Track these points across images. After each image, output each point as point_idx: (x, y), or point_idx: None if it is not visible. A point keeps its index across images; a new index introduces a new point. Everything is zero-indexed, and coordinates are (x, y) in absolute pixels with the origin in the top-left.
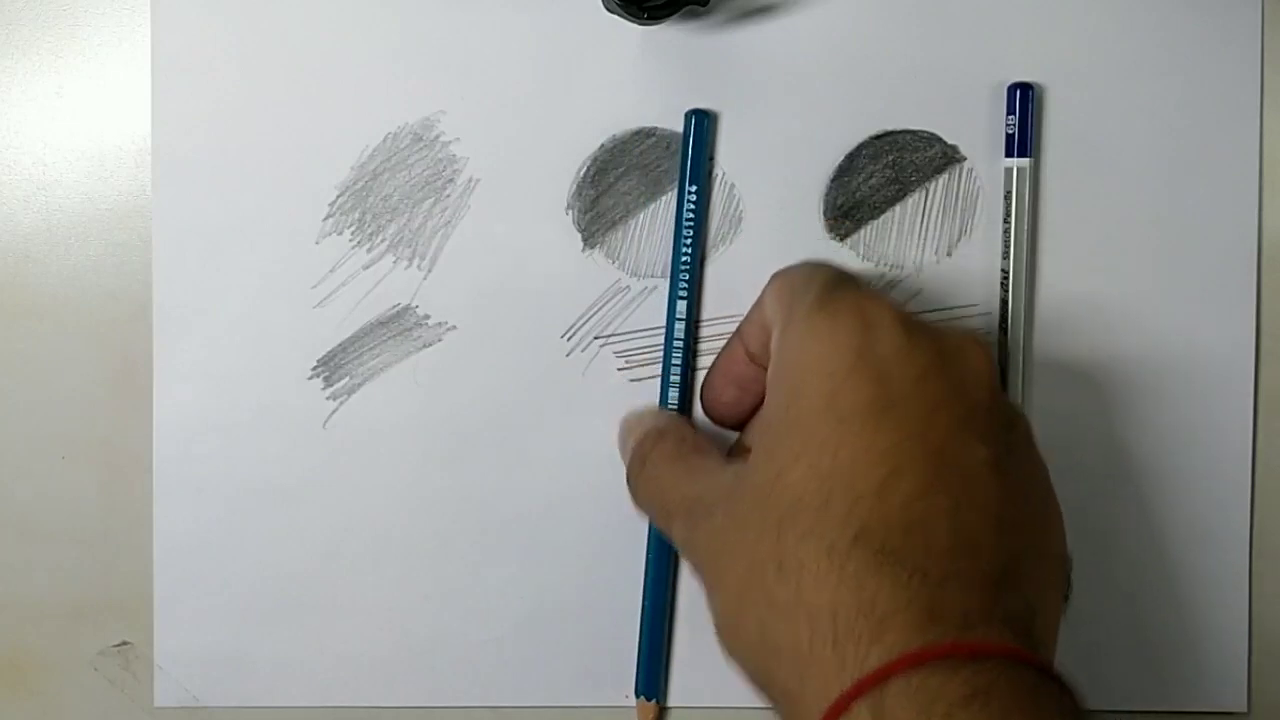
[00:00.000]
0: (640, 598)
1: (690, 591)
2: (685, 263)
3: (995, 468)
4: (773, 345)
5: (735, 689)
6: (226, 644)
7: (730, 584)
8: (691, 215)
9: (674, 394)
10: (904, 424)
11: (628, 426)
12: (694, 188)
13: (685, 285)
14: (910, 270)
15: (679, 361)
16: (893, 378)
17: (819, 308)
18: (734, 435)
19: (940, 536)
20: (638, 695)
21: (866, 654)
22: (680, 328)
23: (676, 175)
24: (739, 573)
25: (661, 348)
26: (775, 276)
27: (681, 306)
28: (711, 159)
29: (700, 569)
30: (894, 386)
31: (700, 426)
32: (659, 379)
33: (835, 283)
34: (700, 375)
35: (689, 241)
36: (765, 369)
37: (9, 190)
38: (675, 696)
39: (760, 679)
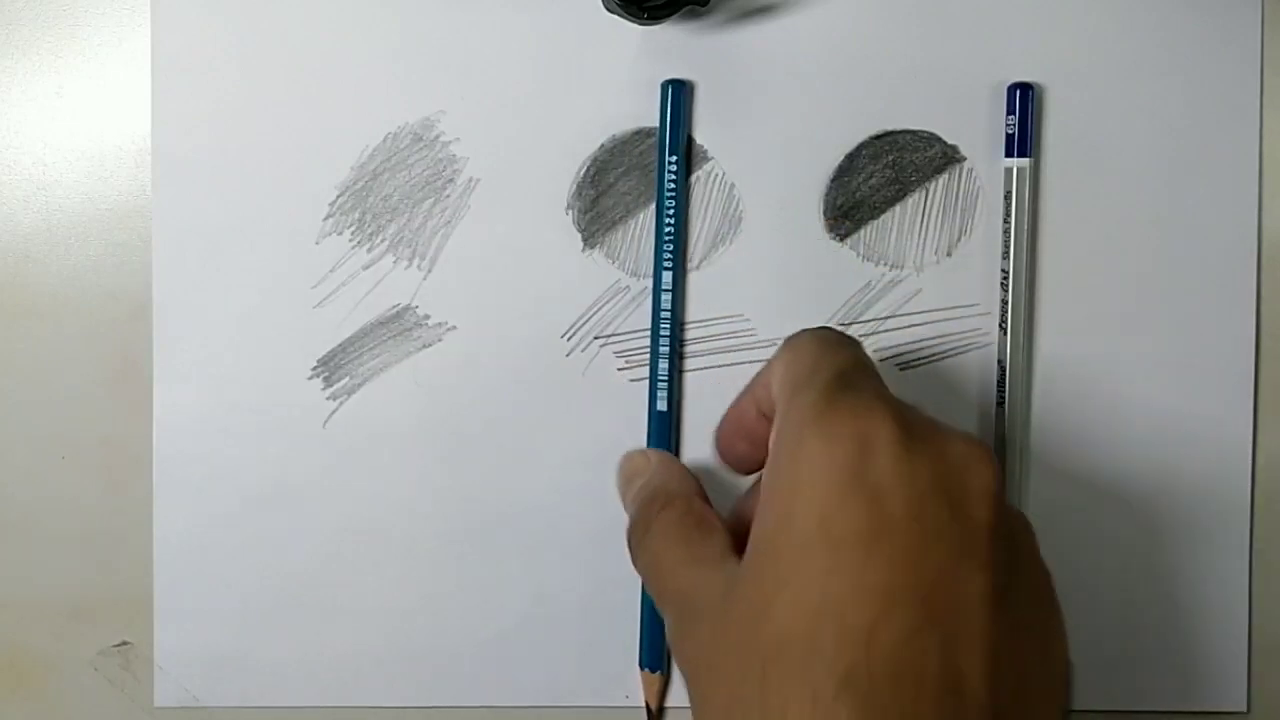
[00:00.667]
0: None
1: None
2: (669, 234)
3: (993, 600)
4: (771, 440)
5: None
6: (226, 644)
7: (714, 704)
8: (673, 186)
9: (664, 365)
10: (897, 556)
11: (630, 470)
12: (674, 158)
13: (669, 259)
14: (910, 270)
15: (666, 333)
16: (888, 501)
17: (816, 418)
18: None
19: (929, 680)
20: (641, 667)
21: None
22: (666, 299)
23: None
24: (721, 703)
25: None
26: (787, 344)
27: (667, 278)
28: (712, 159)
29: (685, 678)
30: (889, 512)
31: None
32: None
33: (838, 384)
34: (702, 374)
35: (671, 213)
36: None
37: (9, 190)
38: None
39: None
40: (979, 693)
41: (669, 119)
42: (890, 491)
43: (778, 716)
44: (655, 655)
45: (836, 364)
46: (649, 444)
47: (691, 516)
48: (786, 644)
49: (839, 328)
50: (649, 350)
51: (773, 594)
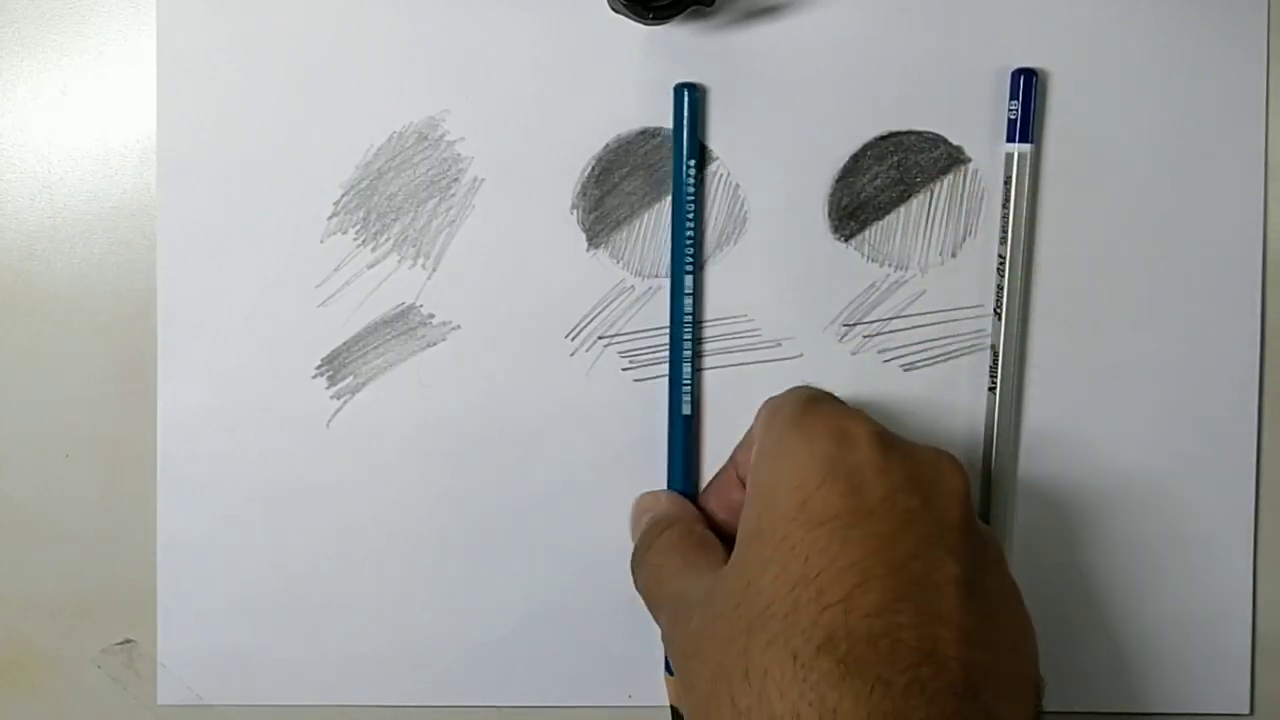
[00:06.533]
0: None
1: None
2: (689, 240)
3: (964, 584)
4: (752, 461)
5: None
6: (229, 642)
7: (699, 688)
8: (691, 191)
9: (686, 369)
10: (874, 536)
11: (641, 507)
12: (691, 162)
13: (690, 263)
14: (914, 271)
15: (688, 336)
16: (865, 489)
17: (794, 421)
18: None
19: (904, 648)
20: (667, 670)
21: None
22: (688, 303)
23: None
24: (707, 677)
25: (665, 348)
26: (764, 403)
27: (688, 281)
28: (717, 159)
29: (676, 669)
30: (866, 497)
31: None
32: (664, 378)
33: (813, 399)
34: (707, 374)
35: (691, 219)
36: None
37: (14, 188)
38: None
39: None
40: (952, 662)
41: (684, 123)
42: (867, 480)
43: (759, 677)
44: None
45: (809, 390)
46: (671, 446)
47: (691, 537)
48: (769, 614)
49: (843, 327)
50: (657, 351)
51: (757, 573)
